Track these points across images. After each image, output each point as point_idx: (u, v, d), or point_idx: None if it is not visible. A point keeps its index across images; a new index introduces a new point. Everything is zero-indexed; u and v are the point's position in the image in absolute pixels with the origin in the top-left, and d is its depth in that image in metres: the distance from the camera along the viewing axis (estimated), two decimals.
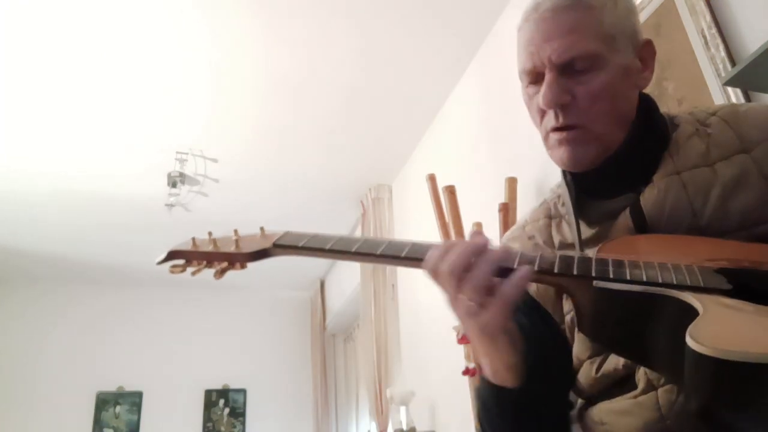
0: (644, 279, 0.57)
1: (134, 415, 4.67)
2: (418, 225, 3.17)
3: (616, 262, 0.60)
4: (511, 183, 2.13)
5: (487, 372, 0.66)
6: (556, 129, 0.73)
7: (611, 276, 0.58)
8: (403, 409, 2.86)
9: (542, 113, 0.75)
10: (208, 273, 0.78)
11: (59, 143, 3.10)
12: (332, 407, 4.89)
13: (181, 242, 0.78)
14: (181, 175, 3.22)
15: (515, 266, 0.59)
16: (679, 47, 1.47)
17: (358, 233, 4.01)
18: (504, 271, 0.58)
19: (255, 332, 5.24)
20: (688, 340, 0.48)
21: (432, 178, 2.55)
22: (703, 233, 0.66)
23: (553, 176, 2.01)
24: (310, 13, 2.39)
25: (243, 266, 0.75)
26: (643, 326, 0.57)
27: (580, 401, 0.75)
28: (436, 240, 2.61)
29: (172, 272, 0.77)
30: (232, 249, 0.75)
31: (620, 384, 0.67)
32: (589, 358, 0.70)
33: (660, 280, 0.57)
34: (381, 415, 3.28)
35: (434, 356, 2.84)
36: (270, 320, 5.35)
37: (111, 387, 4.69)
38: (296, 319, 5.42)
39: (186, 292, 5.16)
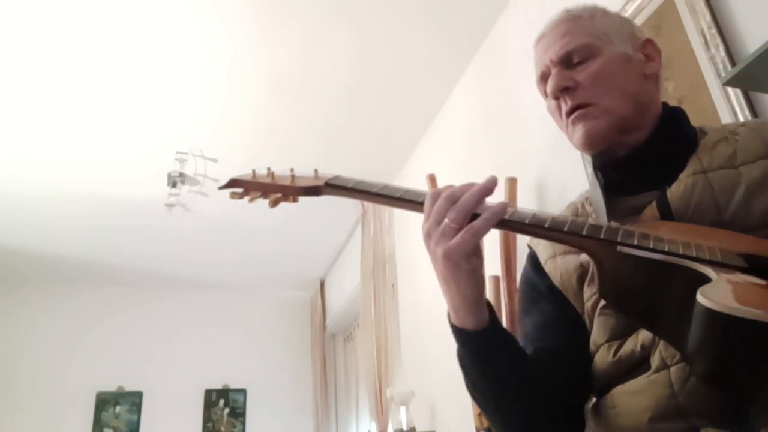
0: (666, 249, 0.61)
1: (134, 415, 4.66)
2: (418, 225, 3.16)
3: (642, 234, 0.64)
4: (511, 183, 2.13)
5: (451, 315, 0.71)
6: (569, 114, 0.79)
7: (635, 243, 0.62)
8: (403, 409, 2.86)
9: (559, 110, 0.81)
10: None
11: (58, 145, 3.09)
12: (332, 407, 4.89)
13: (243, 173, 0.82)
14: (181, 175, 3.21)
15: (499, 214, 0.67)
16: (679, 47, 1.47)
17: (358, 233, 4.02)
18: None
19: (255, 332, 5.24)
20: (698, 297, 0.51)
21: (432, 178, 2.55)
22: (725, 228, 0.69)
23: (554, 176, 2.01)
24: (310, 14, 2.40)
25: (295, 200, 0.80)
26: (659, 293, 0.61)
27: (593, 399, 0.77)
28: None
29: (231, 198, 0.82)
30: (287, 183, 0.79)
31: (636, 367, 0.69)
32: (607, 342, 0.73)
33: (680, 252, 0.61)
34: (381, 415, 3.28)
35: (434, 356, 2.84)
36: (270, 320, 5.35)
37: (111, 387, 4.68)
38: (296, 319, 5.41)
39: (186, 292, 5.16)
